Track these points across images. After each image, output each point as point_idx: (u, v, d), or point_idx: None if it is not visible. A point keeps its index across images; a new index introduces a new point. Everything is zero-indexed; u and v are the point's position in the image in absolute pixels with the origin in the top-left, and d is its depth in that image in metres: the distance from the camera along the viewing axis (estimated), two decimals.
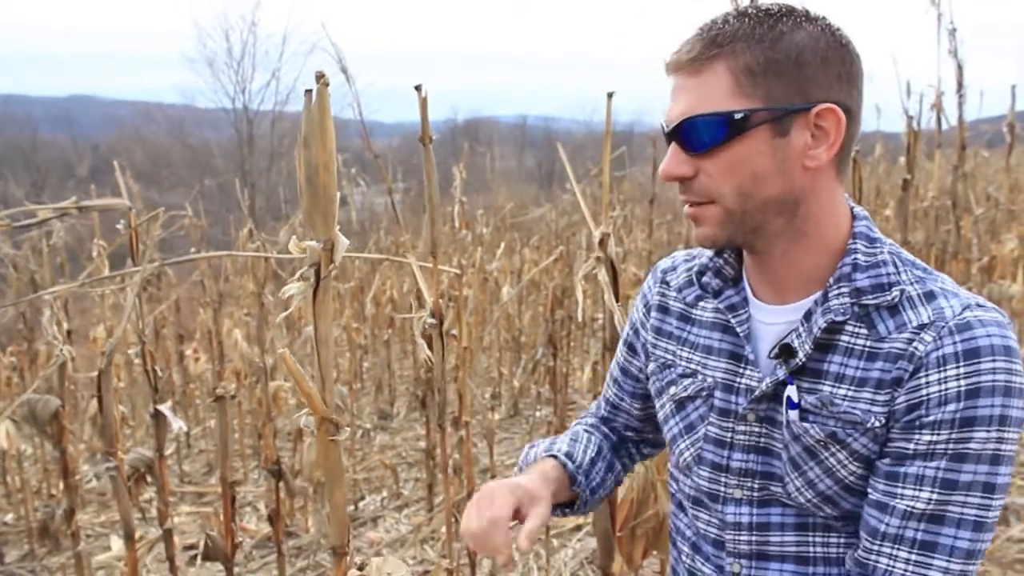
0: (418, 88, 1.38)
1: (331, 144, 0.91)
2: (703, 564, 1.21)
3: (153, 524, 4.14)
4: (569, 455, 1.30)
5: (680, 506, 1.28)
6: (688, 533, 1.25)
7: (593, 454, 1.32)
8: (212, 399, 2.10)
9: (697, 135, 1.03)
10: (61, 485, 4.22)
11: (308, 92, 0.89)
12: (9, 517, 4.90)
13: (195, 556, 3.96)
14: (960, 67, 3.59)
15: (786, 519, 1.12)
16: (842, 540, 1.10)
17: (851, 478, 1.06)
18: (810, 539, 1.11)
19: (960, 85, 3.61)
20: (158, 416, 2.28)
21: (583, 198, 1.62)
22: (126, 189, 2.38)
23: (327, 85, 0.87)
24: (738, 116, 1.00)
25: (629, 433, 1.42)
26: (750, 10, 1.03)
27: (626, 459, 1.42)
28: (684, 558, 1.26)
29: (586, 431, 1.39)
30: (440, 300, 1.45)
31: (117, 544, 2.85)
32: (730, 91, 1.01)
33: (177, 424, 2.26)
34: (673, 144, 1.06)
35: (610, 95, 1.50)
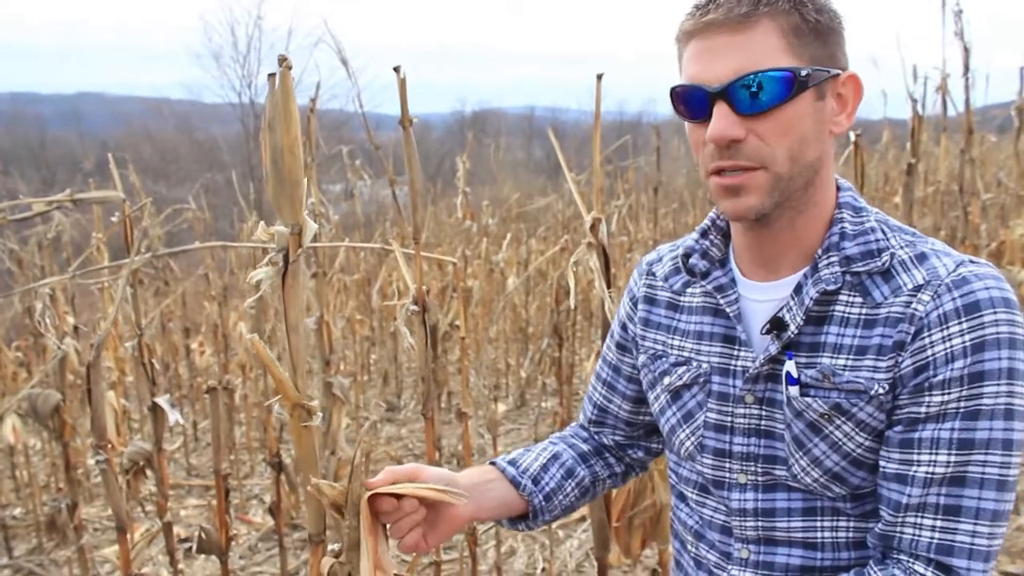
0: (396, 69, 1.36)
1: (295, 128, 0.89)
2: (707, 551, 1.20)
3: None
4: (512, 461, 1.28)
5: (681, 497, 1.26)
6: (690, 523, 1.23)
7: (546, 460, 1.30)
8: (205, 391, 2.09)
9: (757, 93, 0.97)
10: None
11: (271, 76, 0.88)
12: (18, 511, 4.92)
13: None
14: (967, 49, 3.54)
15: (792, 504, 1.09)
16: (851, 524, 1.07)
17: (859, 451, 1.03)
18: (818, 524, 1.08)
19: (967, 68, 3.55)
20: (156, 409, 2.27)
21: (575, 185, 1.60)
22: (122, 182, 2.38)
23: (290, 68, 0.86)
24: (804, 73, 0.98)
25: (618, 438, 1.37)
26: None
27: (609, 466, 1.37)
28: (689, 547, 1.24)
29: (551, 441, 1.36)
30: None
31: None
32: (783, 49, 0.98)
33: (174, 417, 2.25)
34: (721, 106, 0.99)
35: (599, 77, 1.48)
